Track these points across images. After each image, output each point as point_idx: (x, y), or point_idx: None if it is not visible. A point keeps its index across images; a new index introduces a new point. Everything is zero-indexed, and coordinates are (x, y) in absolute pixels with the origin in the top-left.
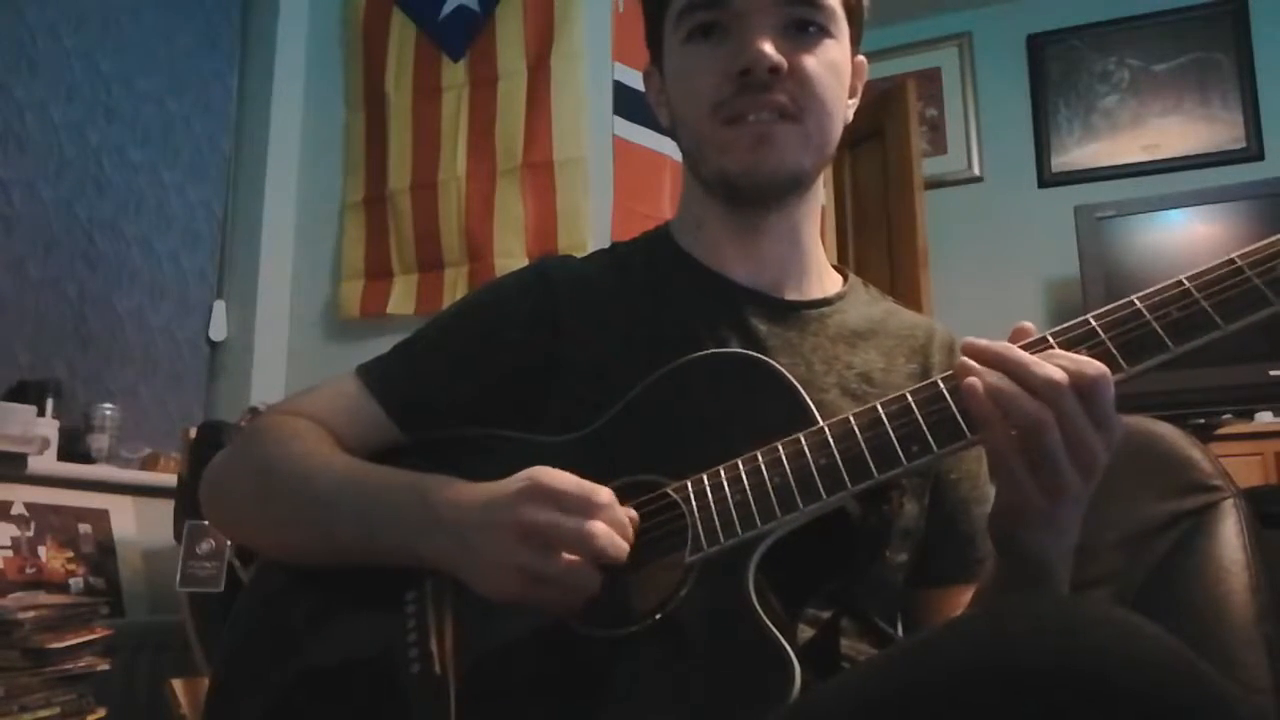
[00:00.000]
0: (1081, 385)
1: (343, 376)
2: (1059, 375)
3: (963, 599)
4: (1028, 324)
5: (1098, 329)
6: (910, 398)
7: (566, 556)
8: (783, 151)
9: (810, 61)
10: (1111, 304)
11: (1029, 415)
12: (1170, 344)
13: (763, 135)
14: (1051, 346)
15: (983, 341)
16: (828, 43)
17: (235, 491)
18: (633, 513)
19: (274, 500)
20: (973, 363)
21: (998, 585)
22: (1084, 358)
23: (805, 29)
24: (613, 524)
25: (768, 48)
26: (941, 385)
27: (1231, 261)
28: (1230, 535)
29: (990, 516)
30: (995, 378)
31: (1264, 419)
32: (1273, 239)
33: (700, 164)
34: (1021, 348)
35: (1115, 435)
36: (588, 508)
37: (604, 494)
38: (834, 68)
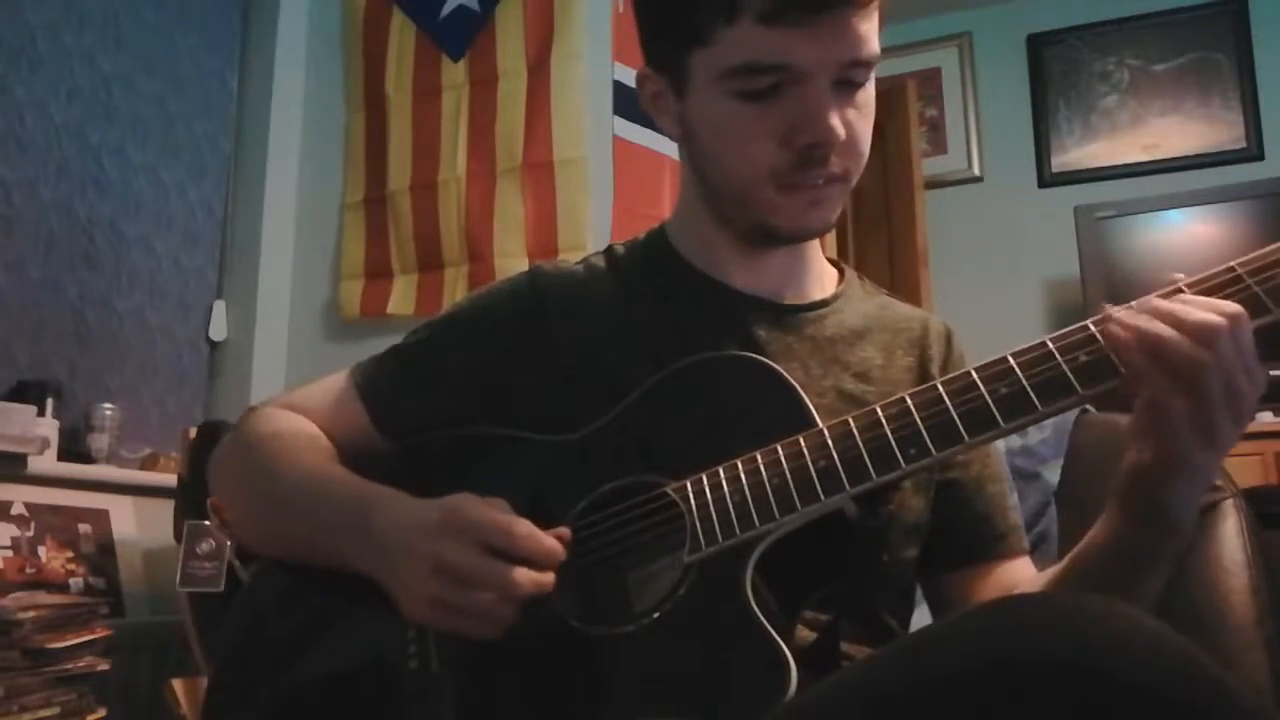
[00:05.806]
0: (1235, 327)
1: (340, 374)
2: (1214, 318)
3: (986, 578)
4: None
5: (1243, 274)
6: (909, 400)
7: (482, 593)
8: (830, 211)
9: (859, 122)
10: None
11: (1189, 359)
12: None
13: (816, 201)
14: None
15: (1133, 302)
16: (868, 86)
17: (227, 478)
18: (564, 531)
19: (248, 492)
20: (1119, 313)
21: (1114, 552)
22: (1223, 301)
23: (853, 82)
24: (536, 554)
25: (836, 122)
26: (940, 388)
27: (1231, 269)
28: (1230, 535)
29: (1124, 477)
30: (1149, 324)
31: (1264, 419)
32: (1271, 248)
33: (738, 215)
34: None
35: (1261, 381)
36: (507, 542)
37: (521, 525)
38: (872, 112)
